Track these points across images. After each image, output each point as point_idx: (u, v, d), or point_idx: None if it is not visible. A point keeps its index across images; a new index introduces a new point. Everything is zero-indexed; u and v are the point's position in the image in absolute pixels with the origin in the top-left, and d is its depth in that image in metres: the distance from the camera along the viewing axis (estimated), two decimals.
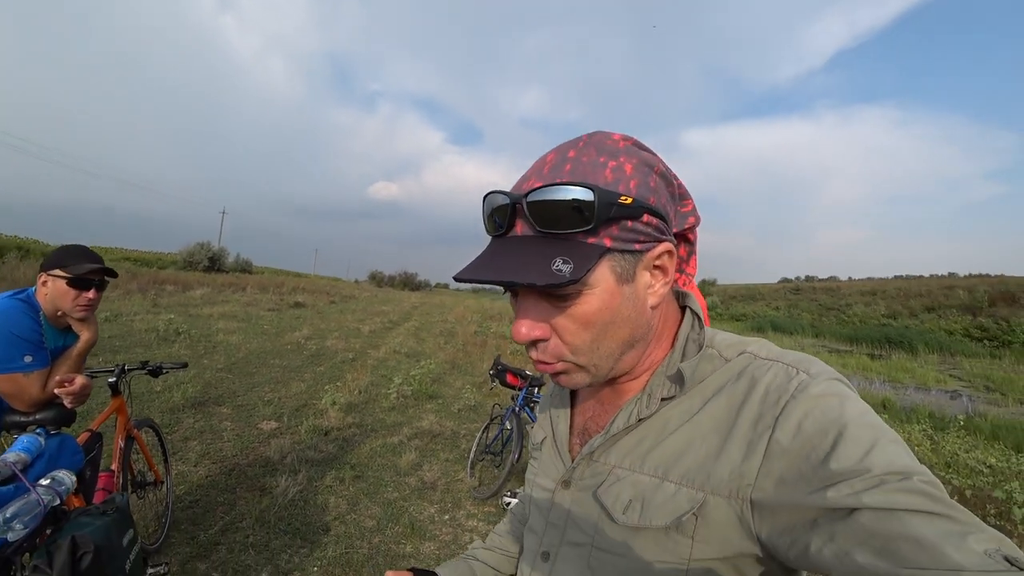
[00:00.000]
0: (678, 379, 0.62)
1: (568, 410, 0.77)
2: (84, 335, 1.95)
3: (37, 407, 1.81)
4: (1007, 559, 0.38)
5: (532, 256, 0.54)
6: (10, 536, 1.35)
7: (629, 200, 0.54)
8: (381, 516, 3.33)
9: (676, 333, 0.68)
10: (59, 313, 1.86)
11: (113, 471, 2.29)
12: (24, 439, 1.59)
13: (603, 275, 0.56)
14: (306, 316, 14.97)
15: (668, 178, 0.61)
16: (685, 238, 0.69)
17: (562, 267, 0.52)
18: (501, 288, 0.59)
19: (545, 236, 0.55)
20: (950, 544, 0.39)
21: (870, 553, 0.42)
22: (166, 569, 2.08)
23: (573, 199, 0.53)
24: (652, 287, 0.60)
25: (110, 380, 2.42)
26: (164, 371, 2.70)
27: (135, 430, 2.59)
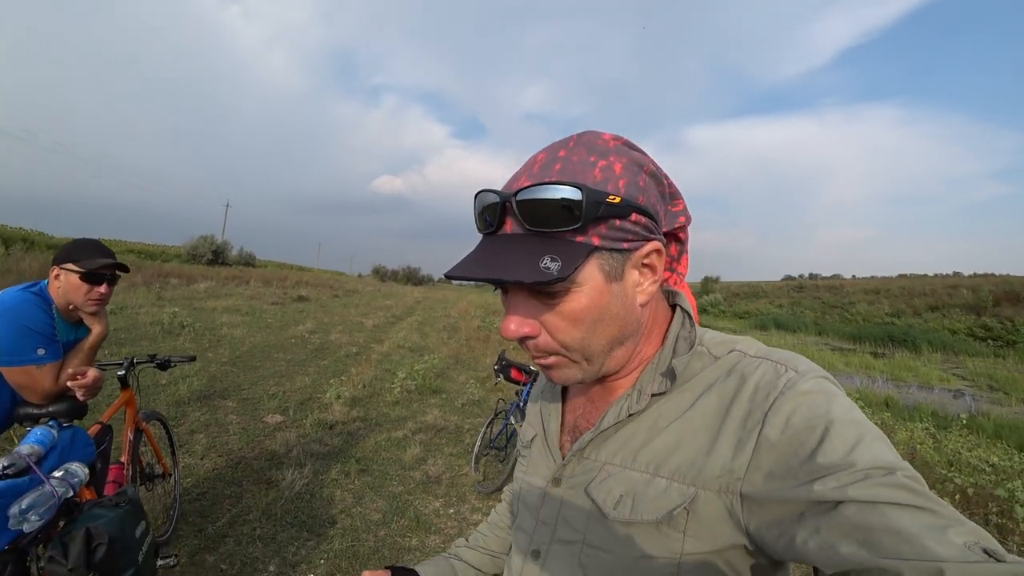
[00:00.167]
0: (669, 375, 0.63)
1: (559, 408, 0.78)
2: (96, 329, 1.96)
3: (49, 399, 1.82)
4: (985, 551, 0.39)
5: (521, 254, 0.55)
6: (25, 527, 1.37)
7: (617, 199, 0.55)
8: (386, 509, 3.35)
9: (666, 331, 0.68)
10: (71, 307, 1.87)
11: (123, 463, 2.31)
12: (37, 431, 1.60)
13: (591, 273, 0.57)
14: (310, 310, 15.00)
15: (658, 178, 0.61)
16: (676, 237, 0.70)
17: (550, 265, 0.53)
18: (492, 286, 0.60)
19: (534, 234, 0.56)
20: (931, 536, 0.40)
21: (854, 544, 0.43)
22: (175, 561, 2.09)
23: (561, 198, 0.54)
24: (641, 285, 0.61)
25: (119, 373, 2.44)
26: (172, 364, 2.72)
27: (144, 423, 2.62)
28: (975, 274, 46.54)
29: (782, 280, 59.43)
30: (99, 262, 1.84)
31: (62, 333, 1.87)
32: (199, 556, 2.65)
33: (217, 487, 3.40)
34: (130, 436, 2.44)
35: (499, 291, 0.64)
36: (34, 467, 1.49)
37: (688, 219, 0.67)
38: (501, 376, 3.91)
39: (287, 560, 2.71)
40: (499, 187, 0.61)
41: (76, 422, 1.85)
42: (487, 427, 4.05)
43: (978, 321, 26.34)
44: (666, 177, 0.63)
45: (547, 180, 0.56)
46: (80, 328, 1.98)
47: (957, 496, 3.80)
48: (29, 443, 1.55)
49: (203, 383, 5.66)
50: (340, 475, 3.78)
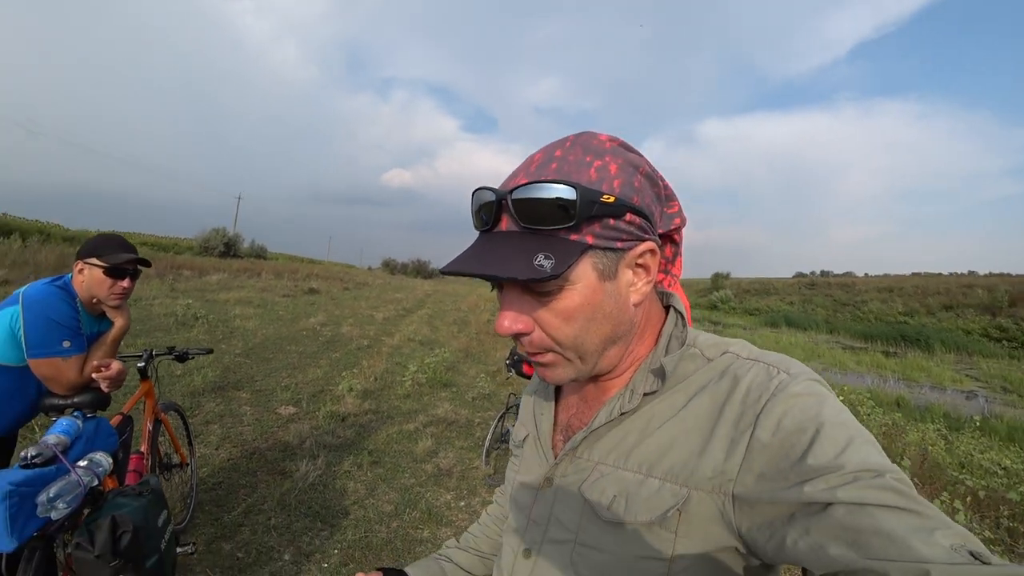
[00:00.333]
0: (660, 374, 0.64)
1: (552, 408, 0.78)
2: (118, 322, 2.00)
3: (74, 391, 1.86)
4: (972, 554, 0.39)
5: (516, 251, 0.56)
6: (53, 515, 1.40)
7: (612, 199, 0.56)
8: (399, 501, 3.39)
9: (660, 331, 0.69)
10: (94, 300, 1.91)
11: (143, 453, 2.36)
12: (63, 422, 1.64)
13: (585, 271, 0.57)
14: (320, 302, 15.10)
15: (654, 179, 0.62)
16: (671, 239, 0.71)
17: (544, 262, 0.54)
18: (489, 283, 0.61)
19: (529, 232, 0.57)
20: (918, 538, 0.41)
21: (843, 546, 0.43)
22: (193, 549, 2.14)
23: (556, 197, 0.54)
24: (634, 285, 0.62)
25: (139, 365, 2.48)
26: (190, 356, 2.76)
27: (162, 413, 2.66)
28: (991, 273, 45.98)
29: (793, 277, 59.01)
30: (122, 257, 1.88)
31: (86, 326, 1.91)
32: (216, 544, 2.70)
33: (232, 477, 3.45)
34: (149, 426, 2.48)
35: (495, 288, 0.65)
36: (61, 456, 1.52)
37: (683, 221, 0.68)
38: (513, 371, 3.93)
39: (302, 550, 2.75)
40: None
41: (99, 413, 1.90)
42: (498, 421, 4.08)
43: (993, 322, 26.00)
44: (662, 179, 0.64)
45: (542, 179, 0.56)
46: (103, 321, 2.02)
47: (968, 499, 3.78)
48: (55, 433, 1.59)
49: (217, 374, 5.73)
50: (353, 467, 3.82)
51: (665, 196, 0.65)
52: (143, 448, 2.38)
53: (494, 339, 10.58)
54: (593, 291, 0.58)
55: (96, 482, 1.56)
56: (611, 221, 0.56)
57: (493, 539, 0.95)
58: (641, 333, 0.67)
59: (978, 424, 6.38)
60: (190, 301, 10.31)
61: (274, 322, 10.12)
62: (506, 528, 0.78)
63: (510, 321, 0.60)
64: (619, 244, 0.58)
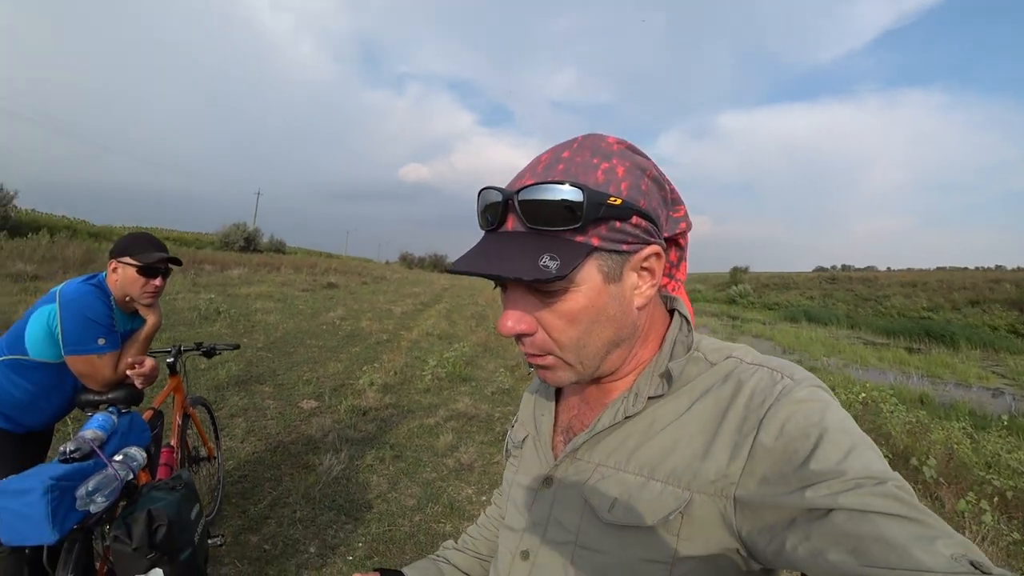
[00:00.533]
0: (666, 378, 0.63)
1: (552, 409, 0.78)
2: (150, 319, 2.04)
3: (109, 387, 1.91)
4: (972, 564, 0.39)
5: (521, 251, 0.56)
6: (92, 508, 1.44)
7: (618, 201, 0.55)
8: (421, 496, 3.42)
9: (664, 335, 0.69)
10: (127, 298, 1.95)
11: (172, 447, 2.40)
12: (99, 417, 1.68)
13: (590, 273, 0.57)
14: (339, 297, 15.22)
15: (660, 183, 0.62)
16: (676, 243, 0.71)
17: (549, 263, 0.53)
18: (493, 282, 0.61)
19: (535, 232, 0.57)
20: (919, 547, 0.41)
21: (843, 552, 0.43)
22: (222, 540, 2.17)
23: (563, 198, 0.54)
24: (639, 288, 0.61)
25: (168, 360, 2.53)
26: (217, 352, 2.80)
27: (190, 408, 2.71)
28: (1019, 268, 44.93)
29: (813, 271, 58.25)
30: (154, 256, 1.92)
31: (119, 323, 1.96)
32: (243, 536, 2.75)
33: (257, 470, 3.51)
34: (178, 421, 2.53)
35: (499, 288, 0.64)
36: (98, 451, 1.56)
37: (689, 225, 0.67)
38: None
39: (327, 542, 2.79)
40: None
41: (132, 408, 1.94)
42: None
43: (1021, 317, 25.45)
44: (668, 183, 0.64)
45: (549, 179, 0.56)
46: (135, 318, 2.06)
47: (996, 499, 3.72)
48: (92, 428, 1.63)
49: (240, 368, 5.81)
50: (375, 461, 3.86)
51: (671, 200, 0.65)
52: (173, 442, 2.43)
53: None
54: (598, 293, 0.58)
55: (131, 476, 1.59)
56: (617, 224, 0.56)
57: (491, 541, 0.94)
58: (645, 337, 0.67)
59: (1006, 423, 6.25)
60: (212, 296, 10.47)
61: (294, 316, 10.23)
62: (502, 529, 0.78)
63: (513, 321, 0.60)
64: (625, 247, 0.58)
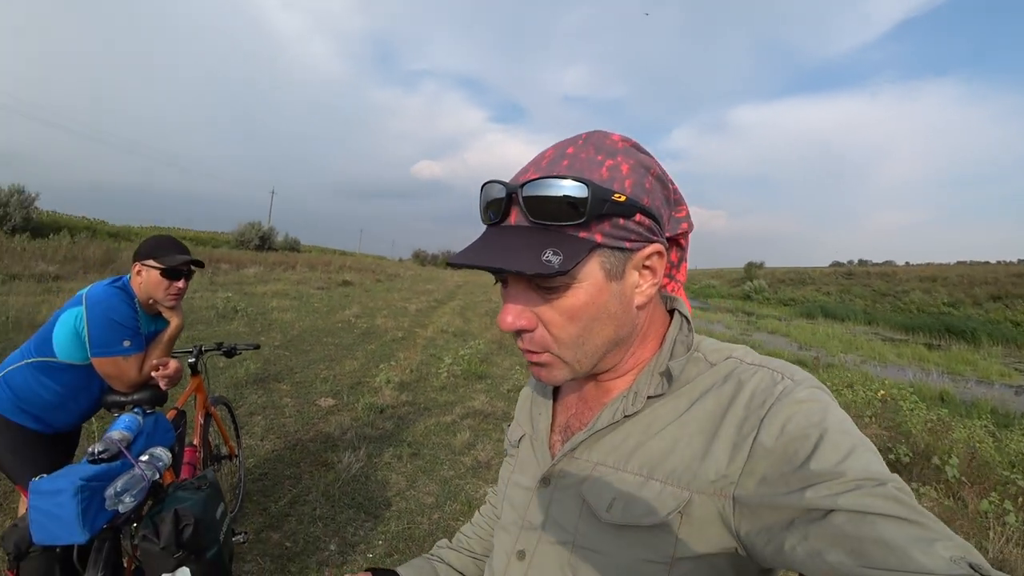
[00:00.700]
0: (666, 377, 0.63)
1: (549, 407, 0.78)
2: (174, 321, 2.07)
3: (134, 388, 1.94)
4: (971, 566, 0.39)
5: (523, 245, 0.55)
6: (120, 508, 1.46)
7: (622, 198, 0.55)
8: (439, 493, 3.44)
9: (664, 335, 0.69)
10: (151, 300, 1.98)
11: (195, 446, 2.43)
12: (125, 418, 1.70)
13: (592, 270, 0.57)
14: (354, 294, 15.33)
15: (664, 182, 0.62)
16: (677, 244, 0.70)
17: (552, 258, 0.53)
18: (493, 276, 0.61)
19: (538, 227, 0.56)
20: (917, 549, 0.40)
21: (841, 553, 0.43)
22: (245, 538, 2.20)
23: (567, 193, 0.54)
24: (640, 287, 0.61)
25: (190, 361, 2.56)
26: (238, 352, 2.84)
27: (212, 407, 2.75)
28: None
29: (830, 266, 57.62)
30: (178, 259, 1.94)
31: (144, 325, 1.98)
32: (265, 533, 2.78)
33: (277, 468, 3.54)
34: (201, 420, 2.56)
35: (499, 283, 0.64)
36: (125, 452, 1.58)
37: (691, 226, 0.67)
38: None
39: (347, 540, 2.81)
40: None
41: (157, 409, 1.97)
42: None
43: None
44: (671, 182, 0.64)
45: (554, 174, 0.56)
46: (158, 320, 2.09)
47: (1020, 499, 3.66)
48: (118, 429, 1.65)
49: (258, 366, 5.87)
50: (393, 459, 3.88)
51: (674, 200, 0.65)
52: (196, 441, 2.46)
53: None
54: (599, 290, 0.58)
55: (157, 476, 1.62)
56: (620, 221, 0.56)
57: (486, 540, 0.94)
58: (644, 336, 0.67)
59: None
60: (229, 294, 10.59)
61: (310, 314, 10.32)
62: (498, 529, 0.78)
63: (513, 317, 0.60)
64: (627, 244, 0.58)
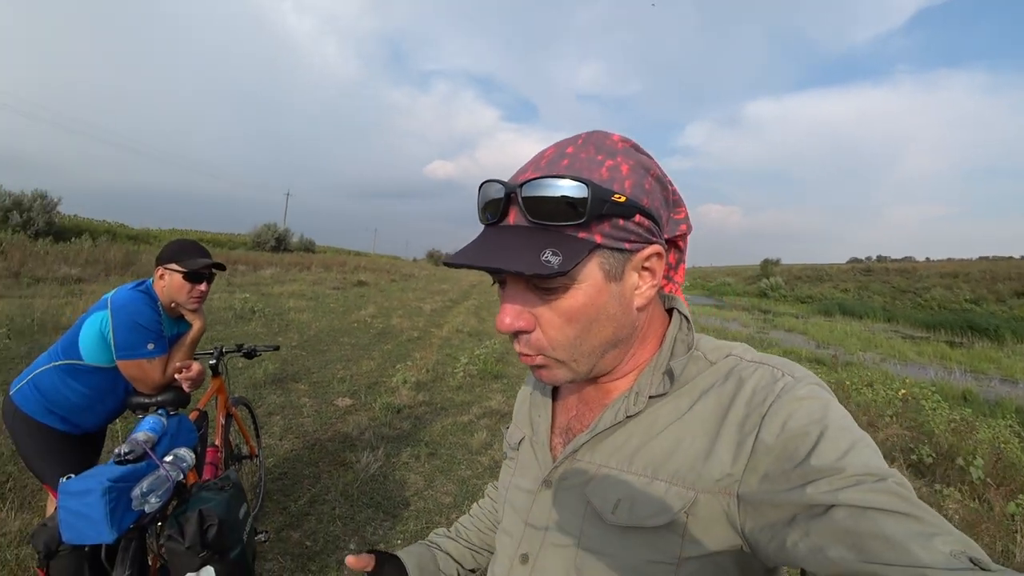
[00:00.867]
0: (668, 376, 0.63)
1: (549, 409, 0.77)
2: (196, 324, 2.10)
3: (158, 390, 1.97)
4: (972, 560, 0.39)
5: (522, 245, 0.55)
6: (146, 508, 1.49)
7: (622, 198, 0.55)
8: (456, 493, 3.45)
9: (663, 334, 0.68)
10: (173, 304, 2.01)
11: (217, 446, 2.47)
12: (149, 420, 1.73)
13: (592, 271, 0.57)
14: (369, 295, 15.42)
15: (663, 183, 0.61)
16: (675, 245, 0.70)
17: (551, 258, 0.52)
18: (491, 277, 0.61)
19: (537, 227, 0.56)
20: (917, 543, 0.40)
21: (842, 549, 0.43)
22: (266, 537, 2.23)
23: (567, 193, 0.54)
24: (639, 288, 0.61)
25: (211, 363, 2.60)
26: (258, 353, 2.87)
27: (233, 408, 2.78)
28: None
29: (848, 263, 56.92)
30: (200, 262, 1.97)
31: (166, 328, 2.01)
32: (285, 532, 2.81)
33: (296, 467, 3.58)
34: (222, 421, 2.60)
35: (497, 284, 0.64)
36: (150, 453, 1.61)
37: (689, 228, 0.67)
38: None
39: (366, 539, 2.83)
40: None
41: (180, 410, 2.00)
42: None
43: None
44: (671, 184, 0.63)
45: (554, 174, 0.56)
46: (181, 323, 2.12)
47: None
48: (143, 430, 1.68)
49: (276, 367, 5.93)
50: (411, 458, 3.90)
51: (673, 201, 0.64)
52: (217, 441, 2.49)
53: None
54: (598, 292, 0.58)
55: (181, 476, 1.64)
56: (620, 221, 0.56)
57: (483, 532, 0.95)
58: (644, 337, 0.67)
59: None
60: (247, 295, 10.72)
61: (327, 315, 10.40)
62: (500, 533, 0.77)
63: (511, 318, 0.59)
64: (627, 245, 0.57)
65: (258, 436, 3.23)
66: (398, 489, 3.41)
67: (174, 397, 1.97)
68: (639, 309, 0.62)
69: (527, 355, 0.62)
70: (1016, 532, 3.26)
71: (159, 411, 1.86)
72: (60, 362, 1.87)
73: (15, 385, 1.92)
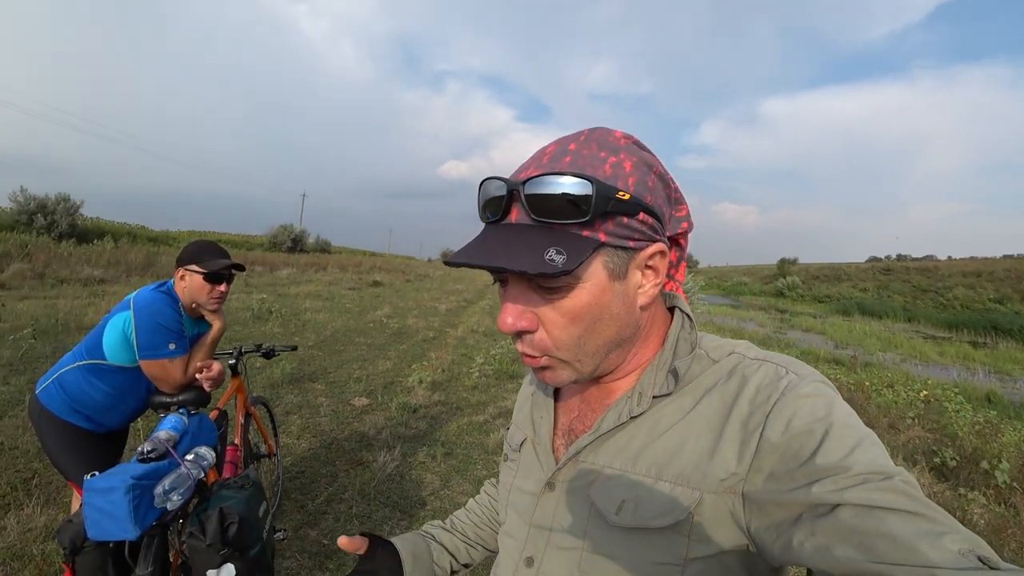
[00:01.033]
0: (673, 376, 0.62)
1: (551, 410, 0.76)
2: (216, 324, 2.13)
3: (179, 390, 2.00)
4: (980, 559, 0.38)
5: (525, 244, 0.54)
6: (168, 506, 1.51)
7: (627, 196, 0.54)
8: (472, 493, 3.44)
9: (665, 333, 0.67)
10: (194, 304, 2.04)
11: (236, 445, 2.50)
12: (171, 419, 1.76)
13: (596, 270, 0.56)
14: (385, 295, 15.51)
15: (666, 180, 0.61)
16: (677, 243, 0.69)
17: (555, 257, 0.51)
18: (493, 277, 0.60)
19: (540, 225, 0.55)
20: (925, 542, 0.40)
21: (849, 548, 0.42)
22: (284, 535, 2.25)
23: (571, 190, 0.53)
24: (642, 287, 0.60)
25: (230, 362, 2.63)
26: (276, 353, 2.90)
27: (252, 407, 2.81)
28: None
29: (867, 262, 56.15)
30: (220, 264, 2.00)
31: (187, 328, 2.04)
32: (303, 531, 2.83)
33: (313, 466, 3.61)
34: (241, 420, 2.62)
35: (498, 283, 0.63)
36: (172, 451, 1.63)
37: (690, 226, 0.66)
38: None
39: None
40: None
41: (201, 409, 2.02)
42: None
43: None
44: (673, 181, 0.63)
45: (557, 171, 0.55)
46: (201, 323, 2.15)
47: None
48: (165, 429, 1.70)
49: (294, 366, 5.98)
50: (427, 458, 3.92)
51: (675, 199, 0.64)
52: (237, 440, 2.52)
53: None
54: (602, 290, 0.57)
55: (202, 475, 1.66)
56: (624, 219, 0.55)
57: (478, 527, 0.94)
58: (646, 336, 0.66)
59: None
60: (264, 296, 10.82)
61: (343, 315, 10.47)
62: (502, 535, 0.77)
63: (514, 318, 0.58)
64: (631, 243, 0.56)
65: (276, 435, 3.26)
66: (415, 488, 3.42)
67: (195, 396, 2.00)
68: (642, 308, 0.61)
69: (530, 356, 0.61)
70: None
71: (180, 410, 1.88)
72: (84, 362, 1.91)
73: (41, 384, 1.96)
